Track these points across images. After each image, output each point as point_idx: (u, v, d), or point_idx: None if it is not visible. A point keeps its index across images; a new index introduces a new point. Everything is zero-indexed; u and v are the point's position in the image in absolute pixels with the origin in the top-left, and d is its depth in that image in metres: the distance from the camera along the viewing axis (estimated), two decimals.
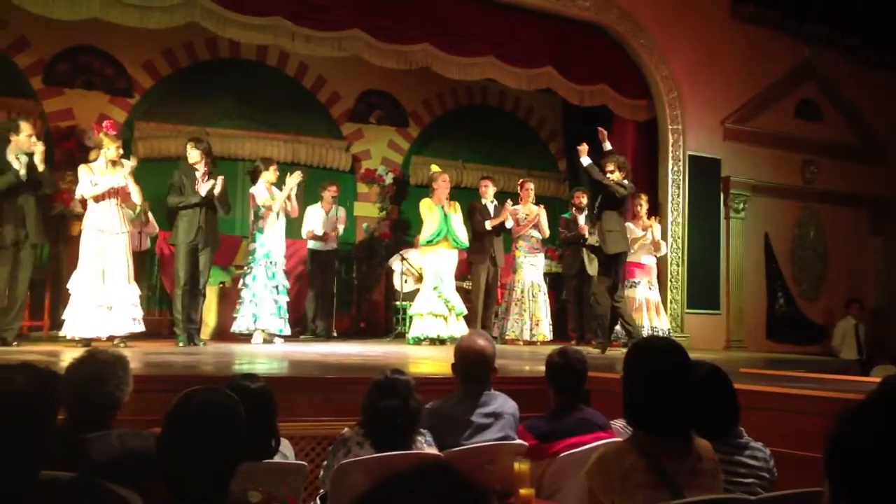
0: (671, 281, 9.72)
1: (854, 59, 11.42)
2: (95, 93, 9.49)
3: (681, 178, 9.97)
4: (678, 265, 9.82)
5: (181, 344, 6.86)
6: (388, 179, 10.82)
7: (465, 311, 8.30)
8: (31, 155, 6.29)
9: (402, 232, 10.95)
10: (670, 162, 9.97)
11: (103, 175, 6.44)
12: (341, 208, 9.37)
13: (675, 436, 2.27)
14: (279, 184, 7.75)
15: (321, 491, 3.04)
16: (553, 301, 9.24)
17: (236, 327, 7.56)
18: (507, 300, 8.84)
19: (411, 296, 8.83)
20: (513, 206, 8.63)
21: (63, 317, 6.39)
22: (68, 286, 6.42)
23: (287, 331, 7.67)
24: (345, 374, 4.92)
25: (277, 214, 7.65)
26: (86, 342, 6.20)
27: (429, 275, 8.29)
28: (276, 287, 7.57)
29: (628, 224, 8.47)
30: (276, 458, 2.75)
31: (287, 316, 7.70)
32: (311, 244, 9.01)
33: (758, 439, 2.68)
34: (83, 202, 6.61)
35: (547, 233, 8.87)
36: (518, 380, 4.83)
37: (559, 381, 3.37)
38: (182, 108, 9.92)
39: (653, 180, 10.00)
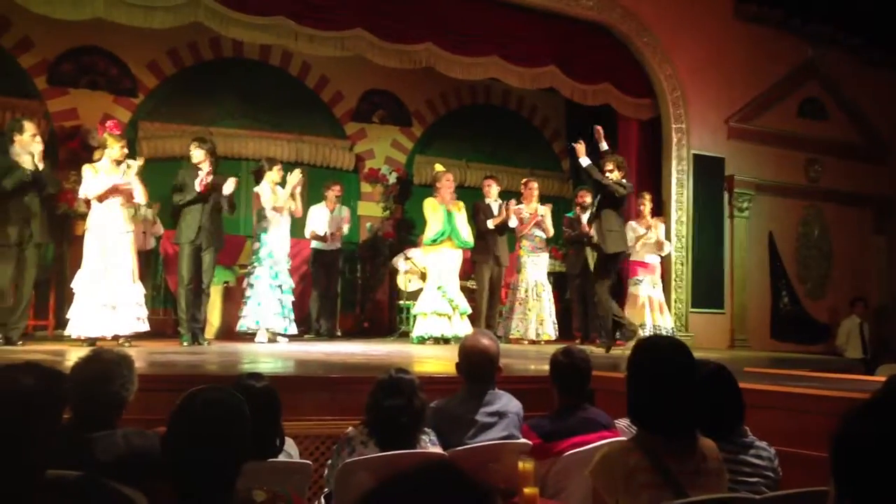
0: (675, 280, 9.71)
1: (857, 59, 11.40)
2: (99, 93, 9.50)
3: (685, 177, 9.96)
4: (682, 264, 9.80)
5: (185, 343, 6.87)
6: (392, 179, 10.82)
7: (469, 311, 8.30)
8: (32, 155, 6.31)
9: (406, 231, 10.95)
10: (674, 161, 9.95)
11: (108, 175, 6.46)
12: (345, 208, 9.38)
13: (679, 435, 2.27)
14: (283, 184, 7.76)
15: (326, 490, 3.05)
16: (557, 300, 9.23)
17: (241, 326, 7.58)
18: (511, 299, 8.83)
19: (415, 295, 8.83)
20: (516, 205, 8.63)
21: (68, 316, 6.40)
22: (73, 286, 6.43)
23: (292, 330, 7.68)
24: (349, 374, 4.92)
25: (282, 213, 7.66)
26: (91, 341, 6.22)
27: (432, 274, 8.29)
28: (280, 286, 7.59)
29: (631, 223, 8.49)
30: (281, 458, 2.75)
31: (292, 315, 7.71)
32: (314, 244, 9.01)
33: (762, 438, 2.67)
34: (87, 202, 6.62)
35: (551, 232, 8.86)
36: (522, 379, 4.83)
37: (563, 380, 3.37)
38: (186, 108, 9.93)
39: (656, 179, 9.99)
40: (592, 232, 7.91)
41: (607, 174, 7.63)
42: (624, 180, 7.67)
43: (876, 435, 1.32)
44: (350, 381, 4.48)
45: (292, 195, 7.72)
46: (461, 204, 8.38)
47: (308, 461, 3.04)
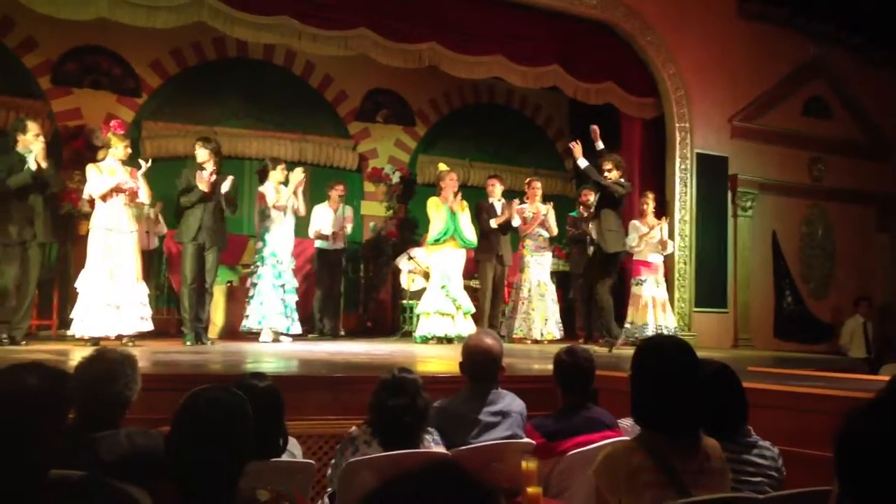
0: (678, 279, 9.70)
1: (861, 58, 11.37)
2: (103, 92, 9.51)
3: (688, 176, 9.95)
4: (685, 263, 9.79)
5: (189, 343, 6.88)
6: (395, 178, 10.83)
7: (473, 310, 8.30)
8: (34, 154, 6.33)
9: (409, 231, 10.96)
10: (678, 160, 9.94)
11: (111, 174, 6.47)
12: (348, 207, 9.39)
13: (682, 434, 2.27)
14: (286, 183, 7.77)
15: (329, 489, 3.05)
16: (560, 300, 9.23)
17: (244, 326, 7.60)
18: (515, 299, 8.82)
19: (418, 294, 8.83)
20: (519, 204, 8.62)
21: (71, 316, 6.41)
22: (76, 285, 6.45)
23: (295, 329, 7.69)
24: (352, 373, 4.93)
25: (285, 212, 7.67)
26: (94, 341, 6.23)
27: (436, 273, 8.29)
28: (283, 286, 7.60)
29: (634, 222, 8.48)
30: (284, 457, 2.75)
31: (295, 315, 7.72)
32: (318, 243, 9.02)
33: (766, 438, 2.67)
34: (91, 201, 6.64)
35: (555, 231, 8.85)
36: (526, 378, 4.82)
37: (567, 379, 3.37)
38: (189, 108, 9.95)
39: (660, 178, 9.98)
40: (592, 231, 7.94)
41: (606, 174, 7.67)
42: (622, 179, 7.70)
43: (880, 434, 1.32)
44: (353, 380, 4.48)
45: (294, 193, 7.73)
46: (464, 203, 8.37)
47: (311, 461, 3.04)
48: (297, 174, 7.75)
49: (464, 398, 3.31)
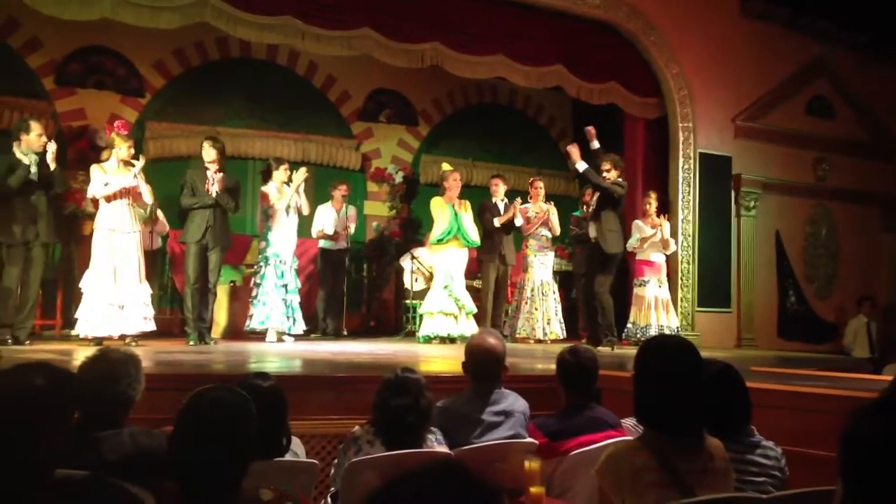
0: (682, 279, 9.69)
1: (865, 57, 11.35)
2: (107, 93, 9.53)
3: (691, 175, 9.93)
4: (689, 263, 9.78)
5: (192, 343, 6.89)
6: (398, 178, 10.83)
7: (475, 310, 8.30)
8: (41, 154, 6.35)
9: (412, 230, 10.96)
10: (681, 160, 9.93)
11: (115, 175, 6.48)
12: (352, 207, 9.38)
13: (686, 434, 2.26)
14: (290, 183, 7.78)
15: (332, 489, 3.05)
16: (563, 299, 9.22)
17: (248, 326, 7.61)
18: (518, 299, 8.82)
19: (421, 294, 8.83)
20: (522, 204, 8.62)
21: (76, 316, 6.42)
22: (80, 285, 6.46)
23: (297, 329, 7.69)
24: (355, 373, 4.93)
25: (287, 212, 7.68)
26: (98, 341, 6.24)
27: (439, 273, 8.29)
28: (286, 286, 7.60)
29: (637, 222, 8.50)
30: (288, 457, 2.76)
31: (298, 315, 7.71)
32: (321, 243, 9.03)
33: (769, 438, 2.67)
34: (95, 202, 6.65)
35: (558, 231, 8.85)
36: (529, 378, 4.82)
37: (570, 379, 3.37)
38: (193, 108, 9.96)
39: (663, 178, 9.96)
40: (592, 231, 7.96)
41: (604, 174, 7.73)
42: (620, 179, 7.75)
43: (884, 434, 1.32)
44: (356, 380, 4.48)
45: (297, 191, 7.73)
46: (467, 203, 8.37)
47: (314, 460, 3.05)
48: (301, 173, 7.76)
49: (467, 398, 3.31)
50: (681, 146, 9.94)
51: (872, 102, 11.40)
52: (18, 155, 6.30)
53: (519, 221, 8.53)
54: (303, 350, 6.95)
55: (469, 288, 8.52)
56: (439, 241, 8.19)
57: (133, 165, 6.57)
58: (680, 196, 9.85)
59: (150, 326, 6.59)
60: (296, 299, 7.73)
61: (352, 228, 9.22)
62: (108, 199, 6.43)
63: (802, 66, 10.81)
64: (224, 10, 7.51)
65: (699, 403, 2.28)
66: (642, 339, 7.67)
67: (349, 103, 10.99)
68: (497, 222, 8.43)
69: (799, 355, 8.89)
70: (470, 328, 7.93)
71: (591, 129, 7.80)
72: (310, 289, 9.11)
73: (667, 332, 8.00)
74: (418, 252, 9.49)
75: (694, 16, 10.01)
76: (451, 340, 8.02)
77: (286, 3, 7.76)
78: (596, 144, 7.81)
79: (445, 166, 8.67)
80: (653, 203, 8.60)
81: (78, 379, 2.45)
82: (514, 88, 11.39)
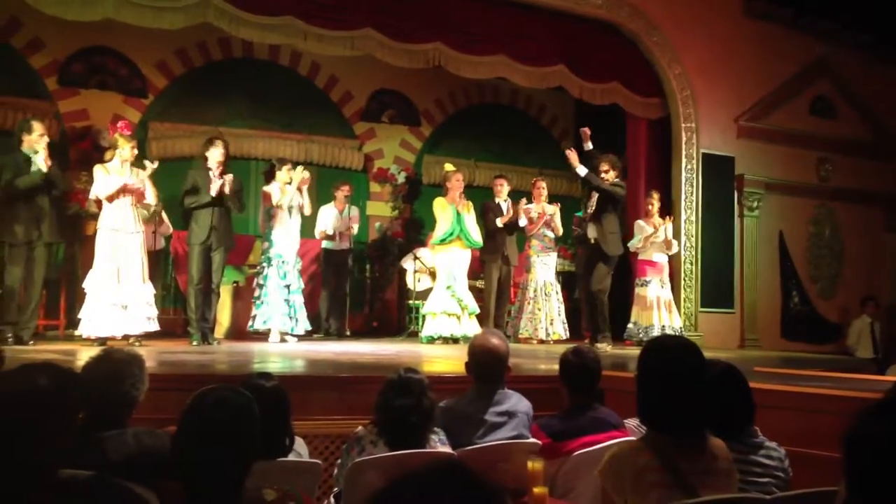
0: (685, 280, 9.68)
1: (868, 57, 11.33)
2: (110, 93, 9.55)
3: (694, 176, 9.93)
4: (692, 264, 9.77)
5: (195, 343, 6.90)
6: (401, 178, 10.84)
7: (478, 310, 8.30)
8: (38, 154, 6.36)
9: (415, 231, 10.96)
10: (683, 160, 9.91)
11: (118, 175, 6.49)
12: (354, 207, 9.39)
13: (688, 435, 2.26)
14: (292, 183, 7.79)
15: (335, 489, 3.06)
16: (566, 300, 9.22)
17: (251, 326, 7.62)
18: (521, 299, 8.82)
19: (424, 295, 8.83)
20: (525, 204, 8.62)
21: (79, 316, 6.43)
22: (84, 285, 6.47)
23: (299, 329, 7.69)
24: (358, 373, 4.93)
25: (290, 212, 7.68)
26: (101, 341, 6.25)
27: (442, 274, 8.29)
28: (288, 286, 7.60)
29: (639, 222, 8.50)
30: (291, 457, 2.76)
31: (300, 315, 7.72)
32: (324, 244, 9.04)
33: (773, 438, 2.66)
34: (98, 202, 6.66)
35: (560, 231, 8.85)
36: (532, 378, 4.82)
37: (573, 379, 3.37)
38: (195, 108, 9.97)
39: (666, 178, 9.95)
40: (591, 232, 7.99)
41: (603, 174, 7.78)
42: (618, 179, 7.78)
43: (888, 435, 1.32)
44: (359, 380, 4.49)
45: (299, 190, 7.74)
46: (470, 204, 8.37)
47: (318, 460, 3.05)
48: (299, 172, 7.76)
49: (470, 398, 3.31)
50: (683, 146, 9.93)
51: (875, 102, 11.38)
52: (25, 156, 6.31)
53: (523, 221, 8.53)
54: (305, 350, 6.95)
55: (472, 288, 8.53)
56: (442, 242, 8.20)
57: (144, 168, 6.60)
58: (683, 196, 9.84)
59: (154, 326, 6.60)
60: (299, 299, 7.74)
61: (355, 229, 9.22)
62: (111, 199, 6.43)
63: (805, 67, 10.80)
64: (226, 11, 7.52)
65: (702, 404, 2.28)
66: (644, 338, 7.69)
67: (352, 104, 11.00)
68: (499, 222, 8.43)
69: (802, 356, 8.87)
70: (473, 328, 7.93)
71: (585, 130, 7.85)
72: (313, 289, 9.11)
73: (670, 332, 8.00)
74: (421, 252, 9.49)
75: (696, 16, 10.00)
76: (455, 341, 8.02)
77: (288, 4, 7.76)
78: (589, 145, 7.84)
79: (448, 167, 8.68)
80: (655, 203, 8.60)
81: (82, 379, 2.45)
82: (517, 89, 11.39)
